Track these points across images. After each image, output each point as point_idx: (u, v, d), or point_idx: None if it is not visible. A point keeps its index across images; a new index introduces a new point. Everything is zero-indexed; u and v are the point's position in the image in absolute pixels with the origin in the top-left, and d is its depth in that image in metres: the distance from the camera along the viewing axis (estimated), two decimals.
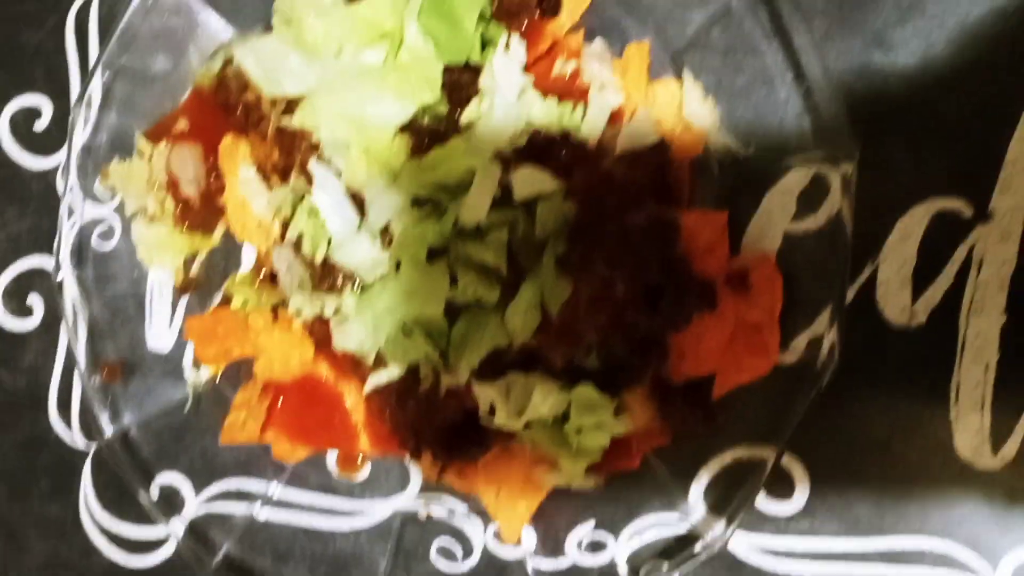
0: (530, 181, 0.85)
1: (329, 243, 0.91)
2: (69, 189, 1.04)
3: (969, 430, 0.88)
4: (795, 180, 0.90)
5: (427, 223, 0.87)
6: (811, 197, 0.89)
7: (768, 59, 0.90)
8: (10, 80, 1.15)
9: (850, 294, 0.90)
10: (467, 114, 0.88)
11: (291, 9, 0.89)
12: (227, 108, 0.99)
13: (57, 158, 1.13)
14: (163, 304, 1.07)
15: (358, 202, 0.91)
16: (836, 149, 0.86)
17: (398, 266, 0.89)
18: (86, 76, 1.10)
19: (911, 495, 0.89)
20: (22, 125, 1.15)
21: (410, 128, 0.88)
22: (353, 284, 0.91)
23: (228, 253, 1.07)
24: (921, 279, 0.89)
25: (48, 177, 1.14)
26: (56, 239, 1.04)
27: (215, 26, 1.06)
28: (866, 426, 0.90)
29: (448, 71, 0.89)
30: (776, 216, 0.90)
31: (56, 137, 1.14)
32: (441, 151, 0.85)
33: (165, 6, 1.04)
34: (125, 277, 1.06)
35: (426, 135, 0.87)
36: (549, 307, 0.84)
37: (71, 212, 1.05)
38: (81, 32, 1.13)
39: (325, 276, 0.91)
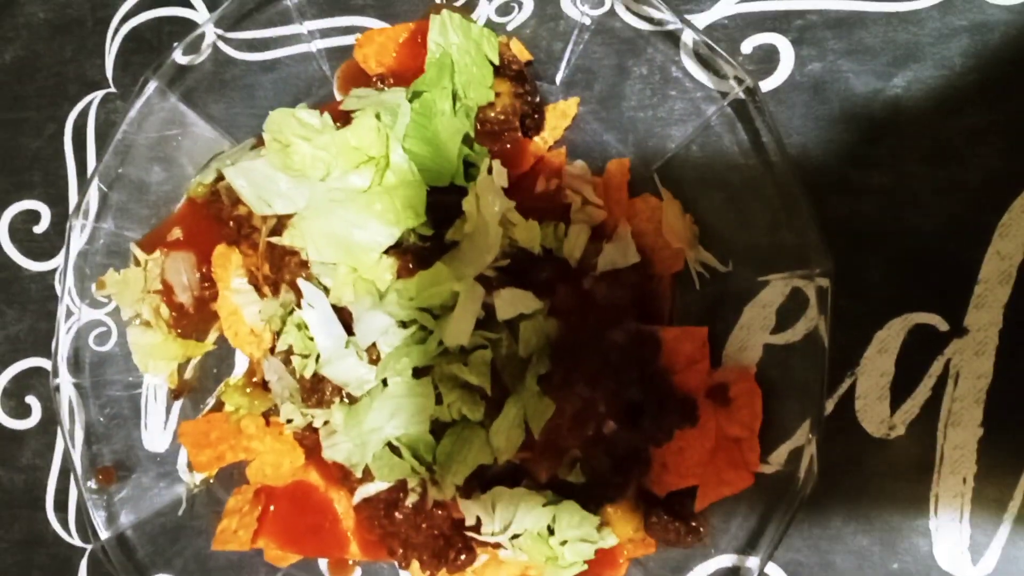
0: (513, 302, 0.87)
1: (317, 358, 0.92)
2: (67, 294, 1.05)
3: (949, 541, 0.89)
4: (774, 294, 0.92)
5: (412, 343, 0.88)
6: (790, 311, 0.91)
7: (746, 175, 0.92)
8: (10, 185, 1.19)
9: (829, 406, 0.92)
10: (451, 234, 0.89)
11: (280, 131, 0.91)
12: (220, 220, 1.01)
13: (55, 261, 1.16)
14: (158, 407, 1.09)
15: (346, 318, 0.92)
16: (812, 264, 0.87)
17: (385, 382, 0.89)
18: (83, 182, 1.14)
19: None
20: (21, 229, 1.18)
21: (396, 249, 0.90)
22: (342, 397, 0.92)
23: (221, 358, 1.09)
24: (899, 392, 0.91)
25: (46, 279, 1.17)
26: (54, 343, 1.04)
27: (208, 136, 1.09)
28: (847, 536, 0.91)
29: (432, 193, 0.90)
30: (756, 329, 0.92)
31: (54, 241, 1.16)
32: (425, 275, 0.87)
33: (159, 117, 1.06)
34: (121, 380, 1.08)
35: (411, 257, 0.89)
36: (532, 426, 0.86)
37: (68, 315, 1.06)
38: (79, 139, 1.16)
39: (314, 390, 0.93)
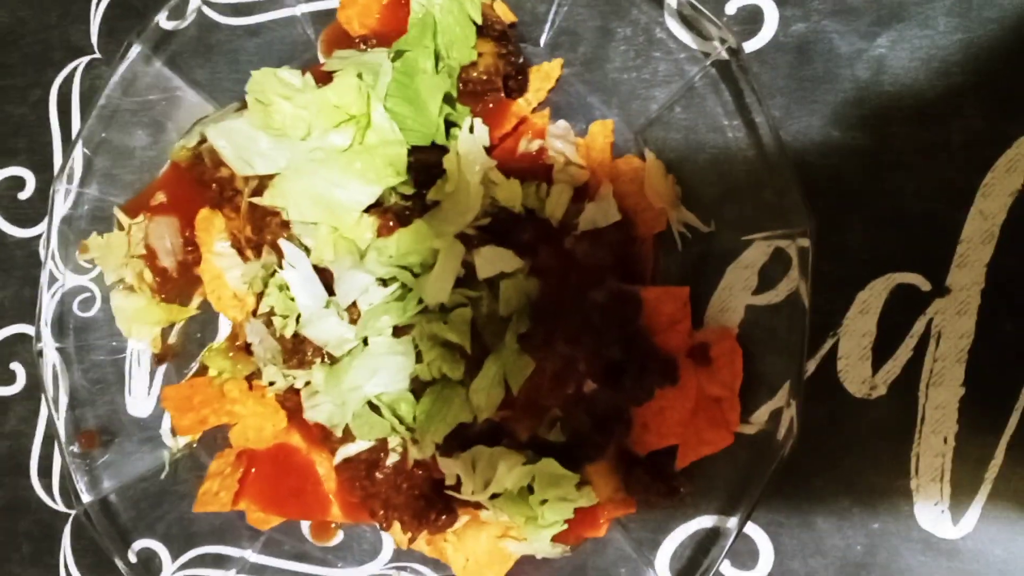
0: (493, 260, 0.87)
1: (298, 319, 0.91)
2: (50, 258, 1.05)
3: (929, 501, 0.89)
4: (756, 255, 0.91)
5: (392, 302, 0.87)
6: (772, 272, 0.91)
7: (729, 136, 0.91)
8: None
9: (811, 367, 0.91)
10: (432, 194, 0.89)
11: (261, 92, 0.91)
12: (202, 183, 1.00)
13: (40, 228, 1.16)
14: (142, 372, 1.09)
15: (326, 278, 0.92)
16: (794, 225, 0.87)
17: (365, 342, 0.89)
18: (68, 148, 1.12)
19: (873, 564, 0.89)
20: (5, 195, 1.18)
21: (376, 208, 0.89)
22: (323, 357, 0.92)
23: (205, 323, 1.09)
24: (881, 352, 0.91)
25: (31, 246, 1.16)
26: (37, 308, 1.04)
27: (192, 101, 1.09)
28: (828, 496, 0.91)
29: (414, 152, 0.90)
30: (738, 290, 0.92)
31: (39, 207, 1.16)
32: (405, 233, 0.87)
33: (144, 82, 1.06)
34: (105, 346, 1.08)
35: (392, 215, 0.89)
36: (512, 384, 0.86)
37: (52, 281, 1.06)
38: (64, 106, 1.16)
39: (295, 351, 0.92)
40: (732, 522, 0.88)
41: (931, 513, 0.88)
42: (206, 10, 1.07)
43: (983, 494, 0.88)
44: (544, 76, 0.97)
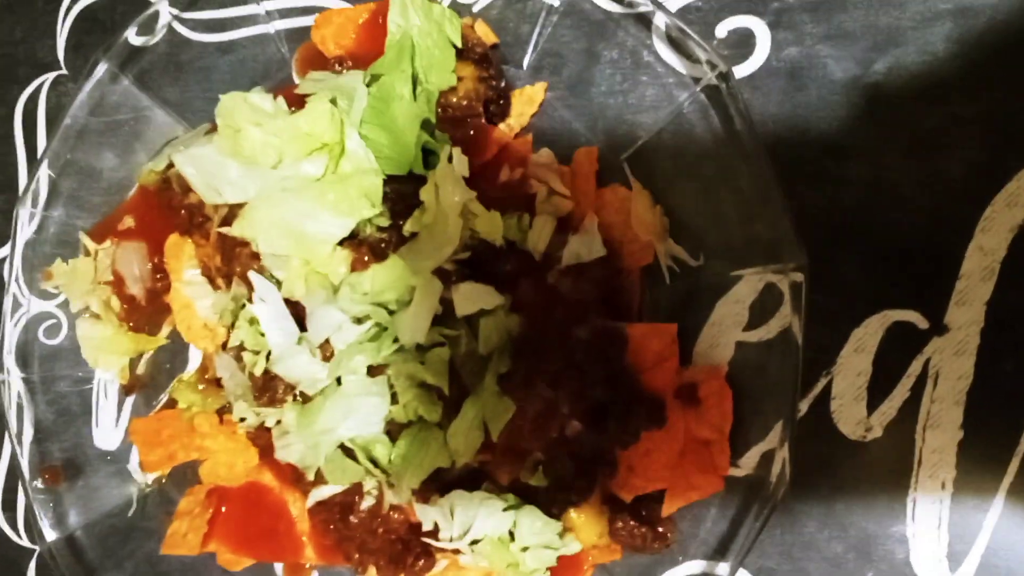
0: (472, 297, 0.84)
1: (269, 355, 0.87)
2: (14, 283, 1.01)
3: (926, 548, 0.86)
4: (747, 290, 0.88)
5: (367, 340, 0.84)
6: (764, 307, 0.88)
7: (718, 165, 0.88)
8: None
9: (804, 407, 0.88)
10: (408, 226, 0.85)
11: (231, 116, 0.87)
12: (171, 209, 0.96)
13: (3, 251, 1.11)
14: (109, 403, 1.06)
15: (299, 312, 0.88)
16: (786, 259, 0.84)
17: (339, 381, 0.85)
18: (32, 169, 1.08)
19: None
20: None
21: (350, 241, 0.85)
22: (294, 396, 0.88)
23: (174, 353, 1.05)
24: (876, 392, 0.88)
25: None
26: (0, 335, 1.00)
27: (162, 121, 1.05)
28: (821, 543, 0.88)
29: (390, 182, 0.86)
30: (728, 326, 0.88)
31: (2, 229, 1.11)
32: (380, 268, 0.83)
33: (111, 101, 1.02)
34: (71, 376, 1.05)
35: (367, 249, 0.85)
36: (491, 428, 0.83)
37: (16, 307, 1.02)
38: (29, 123, 1.12)
39: (265, 388, 0.89)
40: (722, 568, 0.85)
41: (928, 562, 0.85)
42: (177, 26, 1.03)
43: (983, 542, 0.85)
44: (527, 100, 0.93)
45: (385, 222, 0.86)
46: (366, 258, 0.85)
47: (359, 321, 0.85)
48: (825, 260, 0.87)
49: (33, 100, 1.12)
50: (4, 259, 1.11)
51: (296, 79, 1.01)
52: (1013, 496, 0.84)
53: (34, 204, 1.02)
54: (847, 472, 0.87)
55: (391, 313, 0.84)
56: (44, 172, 1.01)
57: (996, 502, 0.84)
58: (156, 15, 1.01)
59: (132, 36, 1.01)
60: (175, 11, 1.02)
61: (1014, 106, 0.86)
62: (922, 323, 0.86)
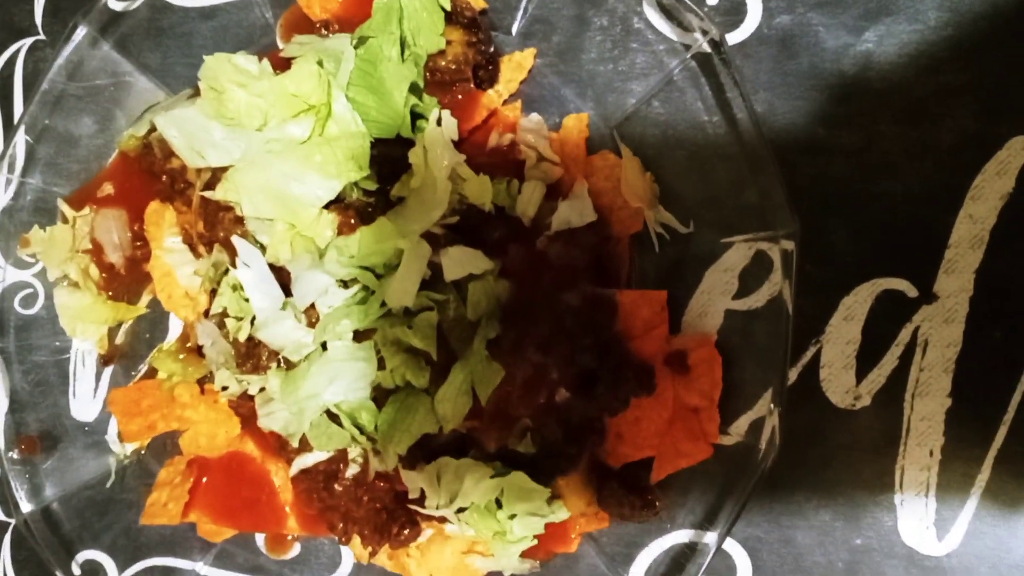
0: (461, 261, 0.83)
1: (253, 321, 0.86)
2: None
3: (914, 516, 0.86)
4: (737, 257, 0.88)
5: (353, 305, 0.82)
6: (753, 275, 0.88)
7: (709, 133, 0.88)
8: None
9: (793, 375, 0.88)
10: (396, 190, 0.84)
11: (215, 78, 0.85)
12: (152, 174, 0.95)
13: None
14: (87, 373, 1.04)
15: (283, 278, 0.86)
16: (777, 226, 0.84)
17: (324, 347, 0.84)
18: (8, 136, 1.06)
19: None
20: None
21: (337, 204, 0.84)
22: (278, 362, 0.87)
23: (154, 322, 1.03)
24: (865, 360, 0.88)
25: None
26: None
27: (143, 87, 1.03)
28: (809, 511, 0.88)
29: (377, 145, 0.85)
30: (717, 294, 0.88)
31: None
32: (368, 231, 0.82)
33: (91, 66, 1.00)
34: (48, 345, 1.03)
35: (353, 212, 0.84)
36: (480, 393, 0.82)
37: None
38: (5, 90, 1.10)
39: (249, 355, 0.87)
40: (710, 537, 0.85)
41: (916, 529, 0.85)
42: None
43: (970, 510, 0.85)
44: (516, 66, 0.93)
45: (372, 185, 0.85)
46: (352, 221, 0.84)
47: (345, 285, 0.84)
48: (815, 229, 0.87)
49: (10, 66, 1.10)
50: None
51: (280, 45, 1.00)
52: (1001, 464, 0.84)
53: (11, 170, 1.00)
54: (835, 440, 0.88)
55: (378, 277, 0.83)
56: (21, 138, 0.99)
57: (984, 470, 0.85)
58: None
59: (112, 1, 0.97)
60: None
61: (1004, 76, 0.86)
62: (911, 291, 0.86)
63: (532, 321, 0.83)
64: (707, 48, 0.86)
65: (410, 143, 0.85)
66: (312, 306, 0.86)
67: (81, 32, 0.98)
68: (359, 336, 0.84)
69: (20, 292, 1.02)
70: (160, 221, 0.96)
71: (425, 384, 0.83)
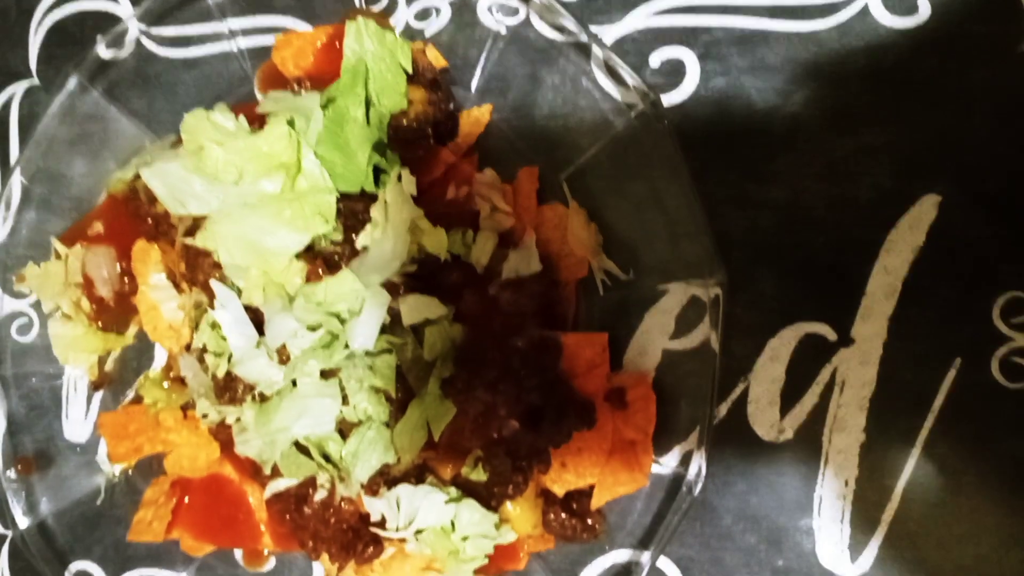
0: (418, 307, 0.90)
1: (230, 358, 0.94)
2: None
3: (830, 540, 0.94)
4: (673, 301, 0.95)
5: (320, 347, 0.90)
6: (688, 317, 0.95)
7: (649, 187, 0.95)
8: None
9: (723, 409, 0.96)
10: (360, 241, 0.91)
11: (195, 134, 0.93)
12: (138, 217, 1.02)
13: None
14: (79, 398, 1.12)
15: (258, 317, 0.94)
16: (707, 274, 0.91)
17: (294, 383, 0.92)
18: (6, 173, 1.14)
19: None
20: None
21: (306, 253, 0.92)
22: (253, 395, 0.95)
23: (141, 351, 1.11)
24: (789, 397, 0.95)
25: None
26: None
27: (130, 132, 1.10)
28: (736, 534, 0.96)
29: (343, 199, 0.92)
30: (656, 334, 0.96)
31: None
32: (332, 281, 0.89)
33: (82, 112, 1.07)
34: (42, 372, 1.10)
35: (321, 261, 0.91)
36: (433, 429, 0.89)
37: None
38: (2, 130, 1.17)
39: (226, 388, 0.95)
40: (645, 557, 0.93)
41: (832, 552, 0.93)
42: (145, 41, 1.09)
43: (879, 535, 0.93)
44: (474, 121, 1.00)
45: (338, 236, 0.92)
46: (320, 270, 0.91)
47: (313, 329, 0.91)
48: (745, 276, 0.94)
49: (6, 108, 1.17)
50: None
51: (258, 95, 1.07)
52: (909, 495, 0.92)
53: (7, 208, 1.06)
54: (761, 470, 0.96)
55: (343, 322, 0.91)
56: (17, 179, 1.06)
57: (893, 500, 0.92)
58: (125, 30, 1.06)
59: (102, 50, 1.05)
60: (143, 26, 1.08)
61: (918, 137, 0.93)
62: (831, 335, 0.94)
63: (483, 362, 0.90)
64: (648, 109, 0.93)
65: (373, 198, 0.92)
66: (283, 346, 0.92)
67: (73, 80, 1.05)
68: (326, 374, 0.91)
69: (16, 321, 1.10)
70: (146, 259, 1.03)
71: (386, 419, 0.91)
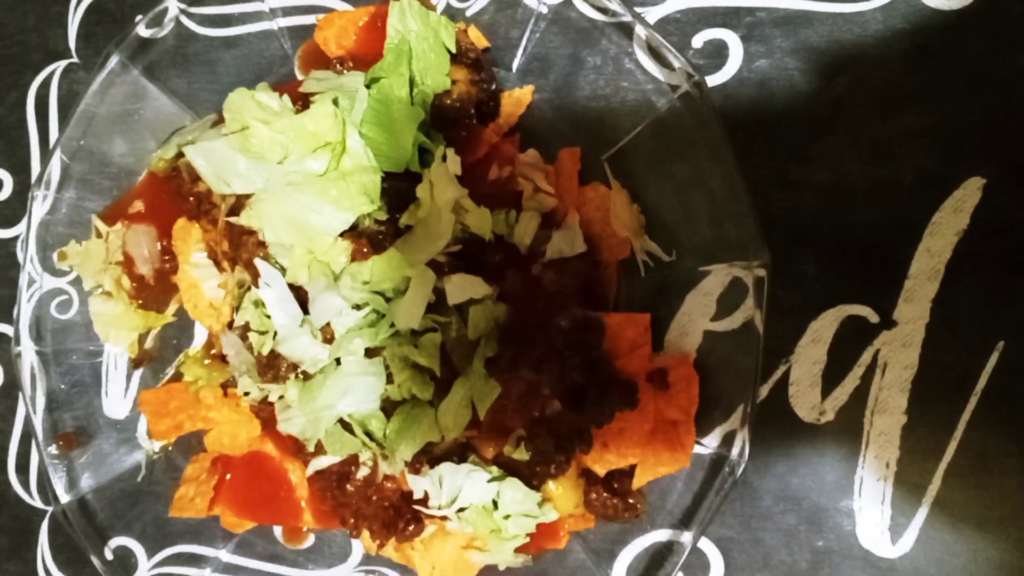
0: (463, 287, 0.91)
1: (274, 336, 0.95)
2: (28, 262, 1.07)
3: (871, 521, 0.94)
4: (715, 283, 0.95)
5: (365, 325, 0.91)
6: (730, 299, 0.95)
7: (692, 167, 0.95)
8: None
9: (764, 391, 0.96)
10: (404, 219, 0.92)
11: (239, 113, 0.93)
12: (180, 196, 1.03)
13: (18, 229, 1.18)
14: (119, 375, 1.12)
15: (301, 296, 0.95)
16: (751, 256, 0.91)
17: (338, 361, 0.93)
18: (45, 151, 1.15)
19: None
20: None
21: (351, 233, 0.92)
22: (296, 373, 0.96)
23: (181, 329, 1.12)
24: (830, 379, 0.95)
25: (9, 246, 1.18)
26: (15, 311, 1.07)
27: (170, 110, 1.10)
28: (776, 515, 0.96)
29: (387, 178, 0.93)
30: (697, 316, 0.96)
31: (17, 208, 1.18)
32: (379, 260, 0.90)
33: (122, 91, 1.08)
34: (82, 348, 1.11)
35: (365, 240, 0.92)
36: (478, 407, 0.90)
37: (30, 284, 1.08)
38: (41, 108, 1.18)
39: (270, 366, 0.96)
40: (686, 537, 0.93)
41: (872, 533, 0.93)
42: (184, 20, 1.09)
43: (921, 517, 0.93)
44: (516, 102, 1.00)
45: (383, 216, 0.93)
46: (365, 249, 0.91)
47: (358, 307, 0.91)
48: (786, 257, 0.94)
49: (45, 86, 1.18)
50: (19, 236, 1.16)
51: (298, 75, 1.08)
52: (950, 477, 0.92)
53: (47, 187, 1.07)
54: (801, 451, 0.96)
55: (388, 300, 0.91)
56: (57, 157, 1.06)
57: (935, 482, 0.93)
58: (165, 10, 1.06)
59: (142, 29, 1.06)
60: (183, 5, 1.08)
61: (962, 120, 0.93)
62: (873, 317, 0.94)
63: (527, 341, 0.91)
64: (691, 89, 0.93)
65: (417, 177, 0.93)
66: (327, 324, 0.93)
67: (114, 59, 1.05)
68: (370, 353, 0.92)
69: (56, 298, 1.10)
70: (187, 237, 1.04)
71: (429, 397, 0.91)
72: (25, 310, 1.07)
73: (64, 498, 1.05)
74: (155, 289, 1.08)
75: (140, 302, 1.09)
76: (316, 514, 1.01)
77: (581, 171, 0.99)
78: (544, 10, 1.00)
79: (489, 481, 0.92)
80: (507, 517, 0.92)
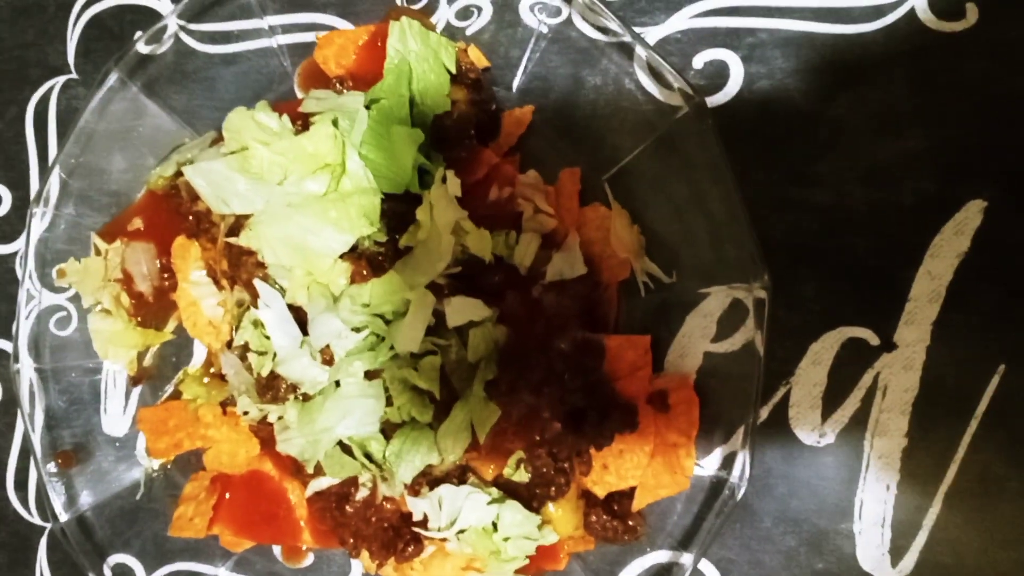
0: (463, 309, 0.91)
1: (274, 357, 0.95)
2: (27, 279, 1.07)
3: (871, 544, 0.94)
4: (715, 304, 0.95)
5: (365, 348, 0.91)
6: (730, 321, 0.95)
7: (692, 189, 0.94)
8: None
9: (764, 413, 0.96)
10: (404, 240, 0.92)
11: (238, 132, 0.93)
12: (179, 214, 1.03)
13: (16, 245, 1.18)
14: (117, 392, 1.12)
15: (300, 318, 0.95)
16: (751, 277, 0.91)
17: (338, 383, 0.93)
18: (44, 166, 1.15)
19: None
20: None
21: (350, 254, 0.92)
22: (296, 394, 0.95)
23: (180, 346, 1.12)
24: (830, 401, 0.95)
25: (7, 262, 1.18)
26: (14, 327, 1.07)
27: (169, 127, 1.10)
28: (776, 537, 0.96)
29: (387, 200, 0.92)
30: (697, 337, 0.96)
31: (15, 224, 1.18)
32: (378, 283, 0.90)
33: (121, 107, 1.07)
34: (81, 366, 1.11)
35: (365, 262, 0.91)
36: (478, 431, 0.90)
37: (29, 300, 1.08)
38: (40, 123, 1.17)
39: (269, 387, 0.95)
40: (686, 558, 0.93)
41: (872, 556, 0.94)
42: (184, 37, 1.08)
43: (921, 540, 0.93)
44: (516, 122, 1.00)
45: (382, 237, 0.92)
46: (364, 271, 0.91)
47: (357, 330, 0.91)
48: (787, 279, 0.94)
49: (44, 102, 1.18)
50: (17, 252, 1.16)
51: (298, 92, 1.07)
52: (950, 499, 0.92)
53: (46, 204, 1.07)
54: (802, 473, 0.96)
55: (387, 323, 0.91)
56: (56, 173, 1.06)
57: (935, 505, 0.92)
58: (164, 27, 1.06)
59: (141, 46, 1.05)
60: (182, 22, 1.07)
61: (962, 142, 0.93)
62: (873, 340, 0.94)
63: (527, 364, 0.91)
64: (692, 110, 0.92)
65: (417, 199, 0.92)
66: (327, 346, 0.92)
67: (113, 76, 1.05)
68: (369, 375, 0.92)
69: (55, 315, 1.10)
70: (186, 255, 1.04)
71: (429, 420, 0.91)
72: (24, 327, 1.07)
73: (63, 515, 1.05)
74: (154, 307, 1.08)
75: (139, 319, 1.08)
76: (315, 534, 1.01)
77: (581, 192, 0.99)
78: (544, 30, 0.99)
79: (489, 503, 0.91)
80: (507, 539, 0.92)
